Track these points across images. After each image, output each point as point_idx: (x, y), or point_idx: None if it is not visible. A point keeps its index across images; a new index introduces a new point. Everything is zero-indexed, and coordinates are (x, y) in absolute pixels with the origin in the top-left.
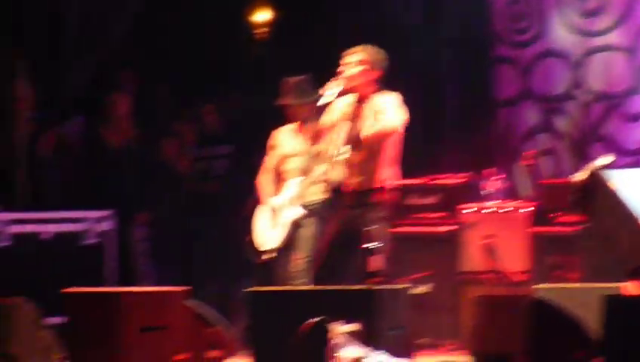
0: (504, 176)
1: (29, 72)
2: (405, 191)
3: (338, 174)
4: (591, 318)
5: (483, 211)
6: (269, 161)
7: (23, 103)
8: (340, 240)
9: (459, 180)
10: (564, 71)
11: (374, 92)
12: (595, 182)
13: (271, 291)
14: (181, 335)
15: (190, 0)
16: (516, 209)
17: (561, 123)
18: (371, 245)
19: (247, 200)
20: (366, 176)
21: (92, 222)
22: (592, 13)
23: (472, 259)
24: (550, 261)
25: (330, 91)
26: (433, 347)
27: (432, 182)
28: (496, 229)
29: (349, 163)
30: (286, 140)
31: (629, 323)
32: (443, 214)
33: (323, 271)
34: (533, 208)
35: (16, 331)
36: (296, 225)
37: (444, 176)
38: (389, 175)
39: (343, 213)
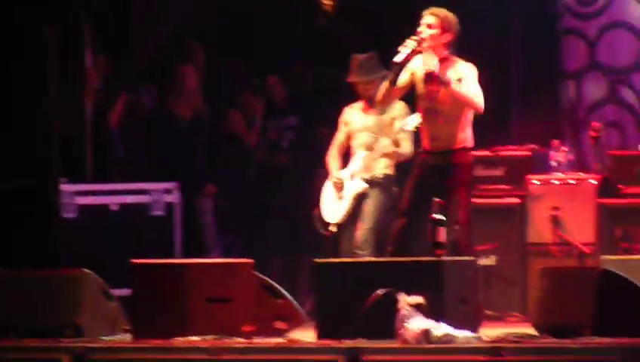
0: (570, 147)
1: (98, 43)
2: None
3: (407, 146)
4: None
5: (550, 183)
6: (339, 136)
7: (93, 74)
8: (417, 201)
9: (525, 152)
10: (631, 42)
11: (447, 55)
12: None
13: (337, 263)
14: (247, 307)
15: None
16: (583, 180)
17: (627, 95)
18: (440, 216)
19: (313, 173)
20: (447, 136)
21: (159, 194)
22: None
23: (539, 230)
24: (617, 233)
25: (404, 49)
26: (499, 319)
27: (498, 154)
28: (562, 201)
29: (428, 123)
30: (355, 117)
31: None
32: (509, 186)
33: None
34: (599, 180)
35: (82, 302)
36: (359, 198)
37: (510, 147)
38: (469, 137)
39: (420, 173)
